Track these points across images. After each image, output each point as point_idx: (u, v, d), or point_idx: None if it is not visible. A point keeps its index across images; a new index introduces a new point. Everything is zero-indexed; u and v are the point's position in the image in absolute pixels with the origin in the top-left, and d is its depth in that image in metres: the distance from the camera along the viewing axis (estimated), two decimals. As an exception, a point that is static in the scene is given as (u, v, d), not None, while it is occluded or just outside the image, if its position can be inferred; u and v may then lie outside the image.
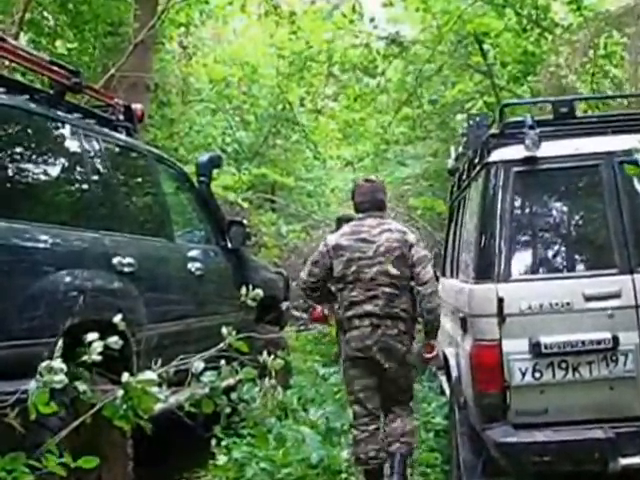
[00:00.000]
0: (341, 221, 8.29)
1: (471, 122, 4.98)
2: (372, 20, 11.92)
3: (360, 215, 5.32)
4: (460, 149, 6.15)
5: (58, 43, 13.39)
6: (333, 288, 5.33)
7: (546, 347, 4.21)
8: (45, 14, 12.75)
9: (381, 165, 18.41)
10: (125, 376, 3.25)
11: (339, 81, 19.11)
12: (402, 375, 5.24)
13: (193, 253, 6.08)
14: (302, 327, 13.60)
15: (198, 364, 4.24)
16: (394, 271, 5.08)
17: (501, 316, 4.24)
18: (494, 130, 4.81)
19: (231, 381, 4.49)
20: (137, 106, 5.97)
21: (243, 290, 4.37)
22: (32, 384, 2.78)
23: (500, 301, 4.24)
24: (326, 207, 20.16)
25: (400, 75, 14.20)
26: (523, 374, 4.25)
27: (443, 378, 6.74)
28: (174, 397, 4.61)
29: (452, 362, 5.14)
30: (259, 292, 4.50)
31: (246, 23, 17.25)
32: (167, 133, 14.69)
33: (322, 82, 15.33)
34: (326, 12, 13.04)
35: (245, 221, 6.84)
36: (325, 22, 13.34)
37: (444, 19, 10.85)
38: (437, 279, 7.71)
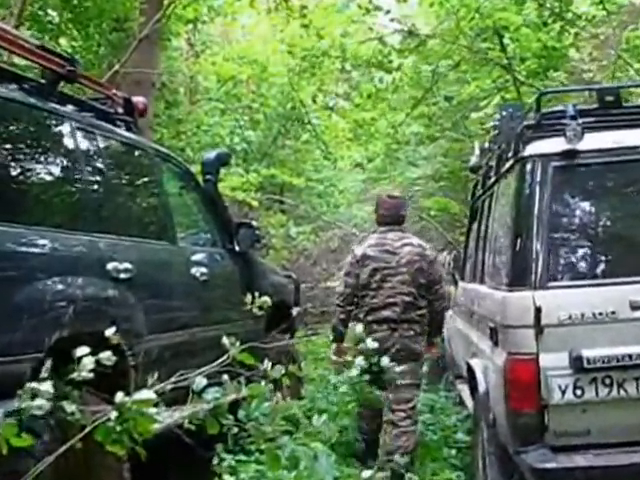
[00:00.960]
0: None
1: (504, 113, 4.50)
2: (388, 12, 11.42)
3: (383, 228, 5.83)
4: (486, 144, 5.71)
5: (62, 41, 13.10)
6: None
7: (588, 361, 3.79)
8: (48, 10, 12.41)
9: (391, 166, 18.25)
10: (119, 396, 2.89)
11: (351, 79, 18.89)
12: (414, 370, 5.70)
13: (197, 257, 5.67)
14: (312, 332, 13.18)
15: (199, 380, 3.83)
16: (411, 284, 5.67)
17: (538, 327, 3.82)
18: (530, 121, 4.36)
19: (239, 396, 4.11)
20: (139, 99, 5.55)
21: (249, 298, 3.94)
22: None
23: (537, 310, 3.81)
24: (335, 208, 19.84)
25: (415, 71, 13.80)
26: (563, 391, 3.82)
27: (463, 388, 6.34)
28: (174, 416, 4.24)
29: (479, 375, 4.70)
30: (267, 300, 4.11)
31: (255, 19, 16.85)
32: (174, 132, 14.31)
33: (334, 79, 14.89)
34: (340, 4, 12.60)
35: (255, 223, 6.41)
36: (338, 15, 12.92)
37: (462, 12, 10.38)
38: (455, 283, 7.35)
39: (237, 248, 6.21)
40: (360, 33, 13.08)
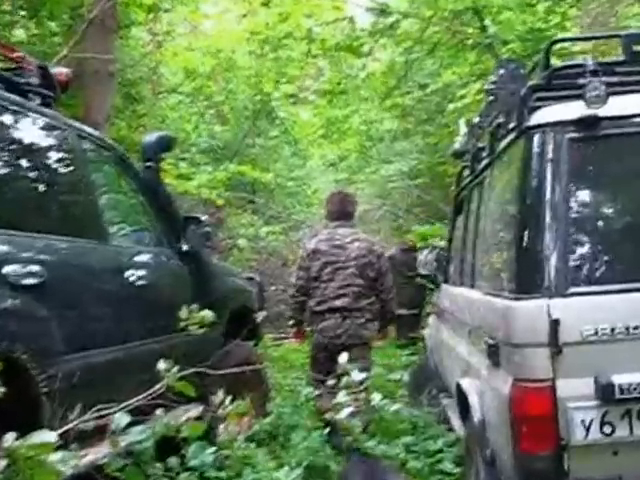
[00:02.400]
0: None
1: (501, 71, 3.54)
2: (357, -12, 10.51)
3: (333, 224, 6.17)
4: (475, 119, 4.83)
5: (18, 31, 12.20)
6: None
7: (621, 390, 2.94)
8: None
9: (364, 163, 17.95)
10: (8, 438, 2.34)
11: (319, 70, 18.18)
12: (363, 355, 5.85)
13: (134, 258, 4.77)
14: (282, 335, 12.26)
15: (119, 418, 2.96)
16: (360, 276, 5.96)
17: (556, 346, 2.97)
18: (536, 81, 3.46)
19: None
20: (61, 70, 4.65)
21: (184, 312, 3.08)
22: None
23: (554, 324, 2.96)
24: (307, 208, 19.26)
25: (388, 59, 13.04)
26: (587, 428, 2.98)
27: (450, 406, 5.51)
28: (88, 457, 3.37)
29: (473, 400, 3.83)
30: (208, 314, 3.27)
31: (219, 8, 15.96)
32: (135, 126, 13.33)
33: (300, 67, 14.03)
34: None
35: (204, 217, 5.49)
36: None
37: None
38: (437, 285, 6.49)
39: (185, 247, 5.31)
40: (327, 14, 12.17)
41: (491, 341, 3.44)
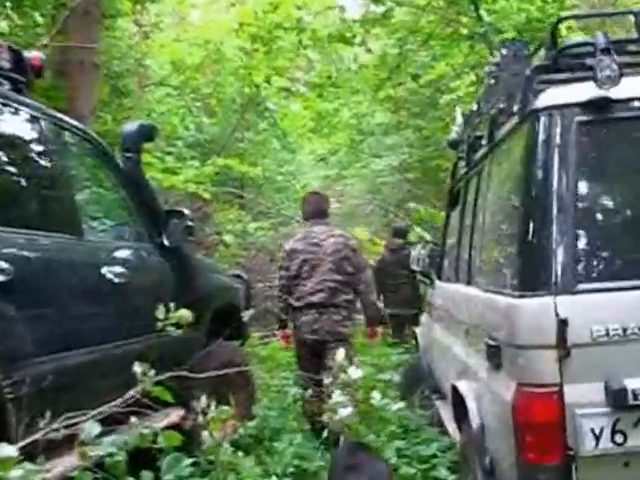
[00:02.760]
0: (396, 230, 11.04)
1: (504, 51, 3.28)
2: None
3: (309, 223, 6.37)
4: (473, 106, 4.58)
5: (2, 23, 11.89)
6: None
7: (635, 395, 2.70)
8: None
9: (354, 158, 17.74)
10: None
11: (311, 63, 17.93)
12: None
13: (112, 254, 4.52)
14: (270, 332, 12.00)
15: (90, 428, 2.72)
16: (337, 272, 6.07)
17: (563, 347, 2.73)
18: (542, 61, 3.21)
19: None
20: (34, 54, 4.38)
21: (161, 312, 2.84)
22: None
23: (562, 324, 2.71)
24: (296, 203, 18.85)
25: (380, 50, 12.77)
26: (597, 437, 2.73)
27: (443, 409, 5.28)
28: (56, 470, 3.13)
29: (471, 405, 3.59)
30: (185, 313, 3.03)
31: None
32: (120, 119, 13.01)
33: (291, 59, 13.75)
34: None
35: (187, 211, 5.21)
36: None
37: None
38: (431, 282, 6.26)
39: (166, 242, 5.06)
40: (318, 4, 11.88)
41: (492, 342, 3.19)
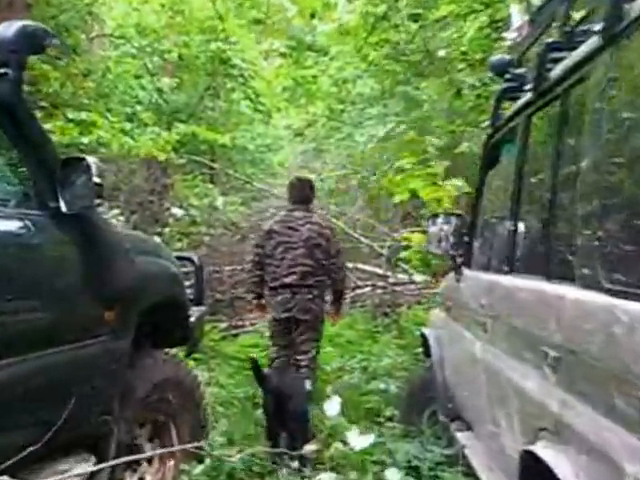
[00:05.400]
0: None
1: None
2: None
3: (291, 207, 6.57)
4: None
5: None
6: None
7: None
8: None
9: (333, 131, 16.39)
10: None
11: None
12: (312, 327, 6.32)
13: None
14: (240, 323, 10.13)
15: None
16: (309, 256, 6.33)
17: None
18: None
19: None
20: None
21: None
22: None
23: None
24: (272, 177, 17.73)
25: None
26: None
27: (472, 448, 3.72)
28: None
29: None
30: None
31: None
32: (64, 76, 11.05)
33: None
34: None
35: (92, 159, 3.35)
36: None
37: None
38: (456, 270, 4.53)
39: (63, 207, 3.26)
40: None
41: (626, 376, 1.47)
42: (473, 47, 8.71)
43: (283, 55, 16.12)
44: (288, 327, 6.34)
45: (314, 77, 15.90)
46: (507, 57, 3.56)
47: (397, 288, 10.22)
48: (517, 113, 3.47)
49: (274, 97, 17.05)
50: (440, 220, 4.37)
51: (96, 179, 3.20)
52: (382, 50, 10.89)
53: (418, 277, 10.22)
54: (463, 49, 9.27)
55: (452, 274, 4.95)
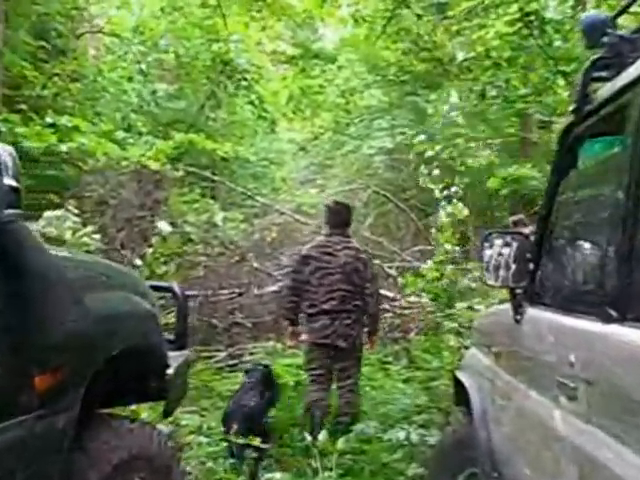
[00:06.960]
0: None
1: None
2: None
3: (328, 232, 6.71)
4: None
5: None
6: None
7: None
8: None
9: (339, 144, 16.47)
10: None
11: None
12: (351, 356, 6.41)
13: None
14: (239, 353, 9.06)
15: None
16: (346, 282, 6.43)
17: None
18: None
19: None
20: None
21: None
22: None
23: None
24: (275, 192, 16.95)
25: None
26: None
27: None
28: None
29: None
30: None
31: None
32: (46, 77, 10.10)
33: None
34: None
35: (6, 147, 2.30)
36: None
37: None
38: (517, 308, 3.46)
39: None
40: None
41: None
42: (501, 44, 7.68)
43: (289, 59, 15.70)
44: (327, 353, 6.38)
45: (321, 87, 15.77)
46: (603, 15, 2.54)
47: (406, 312, 9.57)
48: (622, 92, 2.42)
49: (280, 107, 16.73)
50: (498, 241, 3.26)
51: (10, 181, 2.16)
52: (399, 44, 10.02)
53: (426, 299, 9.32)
54: (488, 47, 8.28)
55: (496, 308, 3.96)
